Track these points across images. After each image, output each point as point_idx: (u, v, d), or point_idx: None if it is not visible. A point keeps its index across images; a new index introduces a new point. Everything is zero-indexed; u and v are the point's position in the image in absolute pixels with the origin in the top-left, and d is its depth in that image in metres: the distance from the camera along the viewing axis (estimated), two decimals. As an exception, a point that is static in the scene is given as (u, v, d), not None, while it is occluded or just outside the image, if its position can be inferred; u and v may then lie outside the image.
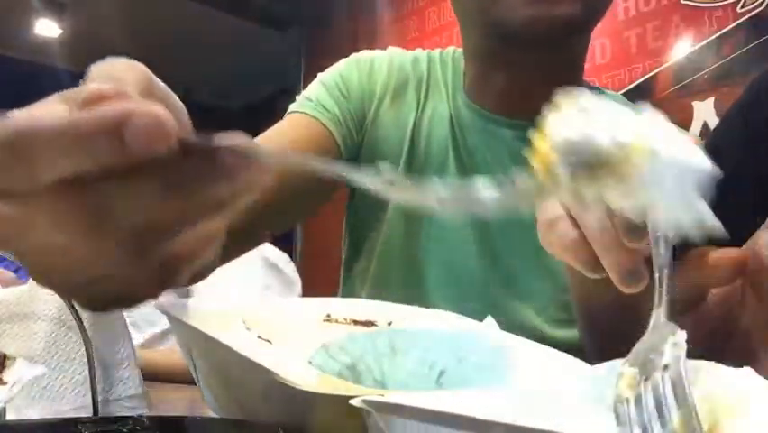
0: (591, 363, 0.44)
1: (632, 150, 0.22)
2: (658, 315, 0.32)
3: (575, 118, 0.23)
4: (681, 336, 0.28)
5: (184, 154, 0.23)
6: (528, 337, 0.56)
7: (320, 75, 0.83)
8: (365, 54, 0.85)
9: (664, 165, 0.22)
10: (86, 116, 0.22)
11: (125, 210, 0.23)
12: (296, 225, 0.83)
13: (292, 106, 0.79)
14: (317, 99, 0.78)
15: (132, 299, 0.27)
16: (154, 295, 0.27)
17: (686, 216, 0.23)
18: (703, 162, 0.23)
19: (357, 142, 0.80)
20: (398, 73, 0.83)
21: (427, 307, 0.61)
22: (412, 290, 0.77)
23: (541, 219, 0.40)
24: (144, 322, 1.48)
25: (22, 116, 0.22)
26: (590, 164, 0.23)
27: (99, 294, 0.26)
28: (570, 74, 0.76)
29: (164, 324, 1.47)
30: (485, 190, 0.23)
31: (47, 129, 0.22)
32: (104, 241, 0.24)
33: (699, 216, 0.23)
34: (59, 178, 0.22)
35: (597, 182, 0.23)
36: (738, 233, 0.42)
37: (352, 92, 0.80)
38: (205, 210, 0.25)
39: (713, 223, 0.24)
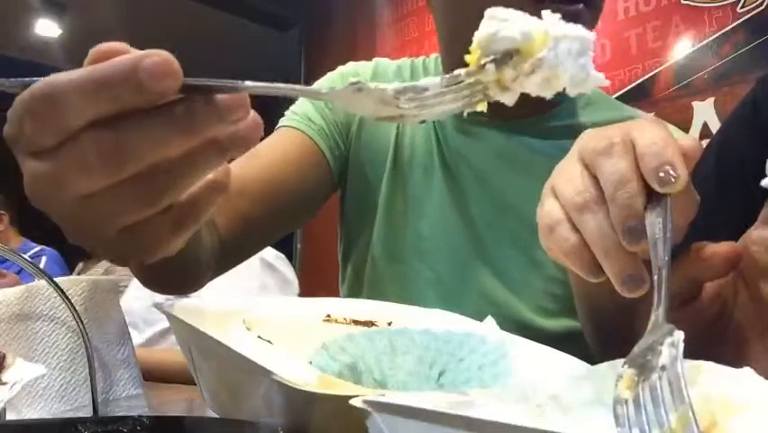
0: (593, 358, 0.45)
1: (534, 35, 0.29)
2: (657, 316, 0.32)
3: (494, 23, 0.30)
4: (679, 336, 0.29)
5: (186, 97, 0.27)
6: (518, 328, 0.56)
7: None
8: (349, 66, 0.88)
9: (557, 41, 0.29)
10: (106, 64, 0.26)
11: (141, 149, 0.27)
12: (284, 235, 0.86)
13: (281, 121, 0.81)
14: (303, 113, 0.80)
15: (152, 249, 0.31)
16: (168, 246, 0.32)
17: (580, 75, 0.30)
18: (584, 31, 0.30)
19: (344, 151, 0.83)
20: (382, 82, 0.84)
21: (421, 303, 0.62)
22: (406, 288, 0.79)
23: (541, 224, 0.40)
24: (143, 322, 1.48)
25: (50, 76, 0.26)
26: (507, 53, 0.30)
27: (126, 246, 0.31)
28: None
29: (162, 324, 1.46)
30: (430, 81, 0.30)
31: (74, 79, 0.26)
32: (125, 185, 0.28)
33: (588, 72, 0.30)
34: (87, 121, 0.26)
35: (514, 68, 0.30)
36: (736, 229, 0.43)
37: (337, 104, 0.82)
38: (207, 151, 0.29)
39: (598, 75, 0.30)
